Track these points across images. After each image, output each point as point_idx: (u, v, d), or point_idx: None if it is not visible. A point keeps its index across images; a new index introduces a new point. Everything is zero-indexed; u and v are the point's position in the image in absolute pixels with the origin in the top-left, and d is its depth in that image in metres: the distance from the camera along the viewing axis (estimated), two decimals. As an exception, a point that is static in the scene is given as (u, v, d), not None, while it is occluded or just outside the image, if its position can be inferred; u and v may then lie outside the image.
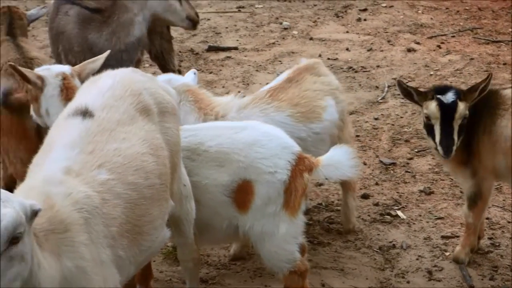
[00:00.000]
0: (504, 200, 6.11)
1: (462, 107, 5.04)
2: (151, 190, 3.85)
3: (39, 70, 4.76)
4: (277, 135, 4.80)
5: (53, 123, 4.02)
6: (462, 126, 5.07)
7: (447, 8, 9.89)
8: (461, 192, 6.01)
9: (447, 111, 5.04)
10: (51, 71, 4.73)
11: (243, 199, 4.63)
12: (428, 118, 5.11)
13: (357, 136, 7.04)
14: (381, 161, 6.71)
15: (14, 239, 2.96)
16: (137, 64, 6.60)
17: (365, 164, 6.63)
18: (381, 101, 7.74)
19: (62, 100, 4.57)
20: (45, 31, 9.26)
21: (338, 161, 4.66)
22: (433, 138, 5.10)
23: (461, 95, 5.09)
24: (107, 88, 3.99)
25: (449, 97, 5.06)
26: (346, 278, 5.34)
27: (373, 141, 7.00)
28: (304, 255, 4.80)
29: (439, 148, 5.07)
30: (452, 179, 6.27)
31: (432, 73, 8.22)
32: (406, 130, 7.19)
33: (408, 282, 5.26)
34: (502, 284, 5.22)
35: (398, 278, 5.31)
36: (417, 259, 5.49)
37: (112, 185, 3.63)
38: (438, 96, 5.07)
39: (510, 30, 9.16)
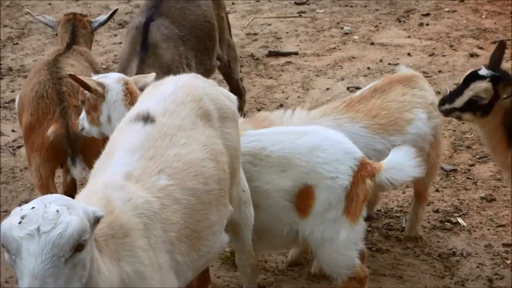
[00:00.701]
0: None
1: (482, 84, 4.94)
2: (210, 195, 3.90)
3: (99, 78, 4.86)
4: (339, 140, 4.81)
5: (113, 130, 4.09)
6: (475, 102, 4.96)
7: (511, 13, 9.75)
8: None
9: (469, 78, 5.00)
10: (112, 78, 4.83)
11: (304, 204, 4.67)
12: None
13: None
14: (442, 168, 6.63)
15: (79, 246, 3.00)
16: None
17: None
18: (442, 107, 7.66)
19: (127, 104, 4.64)
20: (108, 37, 9.46)
21: (399, 162, 4.65)
22: None
23: (499, 80, 4.96)
24: (168, 93, 4.07)
25: (484, 71, 4.99)
26: (404, 285, 5.34)
27: None
28: (364, 262, 4.83)
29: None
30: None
31: None
32: (468, 136, 7.12)
33: (470, 292, 5.26)
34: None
35: (458, 286, 5.31)
36: (477, 267, 5.47)
37: (172, 191, 3.70)
38: (481, 66, 5.05)
39: None
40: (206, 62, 6.59)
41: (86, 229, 3.02)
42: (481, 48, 8.88)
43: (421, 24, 9.62)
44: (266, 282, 5.38)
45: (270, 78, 8.41)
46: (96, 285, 3.19)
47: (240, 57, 8.80)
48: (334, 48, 9.12)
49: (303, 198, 4.66)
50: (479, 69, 5.01)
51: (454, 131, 7.19)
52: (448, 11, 9.98)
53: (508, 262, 5.50)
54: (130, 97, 4.66)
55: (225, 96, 4.37)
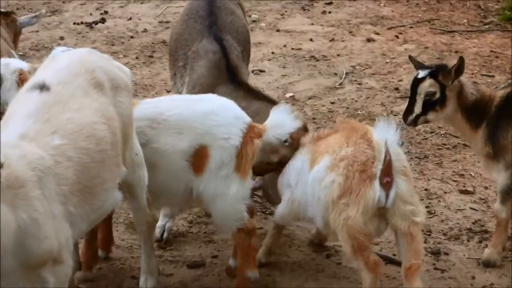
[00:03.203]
0: (443, 174, 6.53)
1: (426, 83, 5.34)
2: (101, 155, 4.18)
3: None
4: (231, 106, 5.14)
5: None
6: (429, 101, 5.35)
7: (407, 1, 10.24)
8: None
9: (414, 85, 5.42)
10: (8, 67, 5.14)
11: (199, 163, 4.95)
12: None
13: (314, 118, 7.40)
14: None
15: None
16: None
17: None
18: (338, 86, 8.09)
19: None
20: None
21: (280, 119, 5.07)
22: None
23: (438, 74, 5.34)
24: (64, 66, 4.36)
25: (421, 74, 5.39)
26: (292, 243, 5.73)
27: (328, 123, 7.31)
28: (253, 217, 5.15)
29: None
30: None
31: (388, 60, 8.58)
32: (360, 112, 7.55)
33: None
34: (435, 247, 5.62)
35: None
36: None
37: (65, 149, 3.97)
38: (418, 70, 5.44)
39: (465, 21, 9.52)
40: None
41: None
42: (377, 33, 9.34)
43: (324, 12, 10.03)
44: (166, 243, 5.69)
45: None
46: None
47: (153, 43, 9.15)
48: (243, 34, 9.46)
49: (198, 157, 4.94)
50: (417, 75, 5.39)
51: (348, 108, 7.59)
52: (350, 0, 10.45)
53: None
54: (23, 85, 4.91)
55: (119, 69, 4.65)
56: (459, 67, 5.33)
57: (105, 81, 4.44)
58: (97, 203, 4.20)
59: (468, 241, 5.73)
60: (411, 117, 5.43)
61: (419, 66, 5.52)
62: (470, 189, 6.35)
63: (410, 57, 5.78)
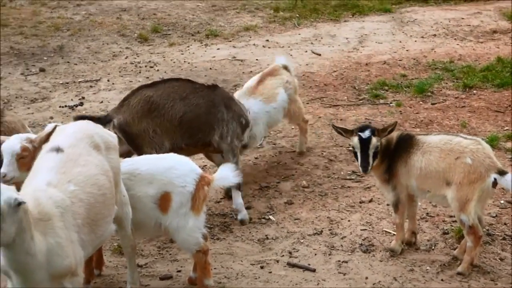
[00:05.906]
0: (339, 205, 6.85)
1: (374, 140, 5.56)
2: (102, 197, 4.38)
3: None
4: (186, 162, 5.31)
5: None
6: (375, 153, 5.58)
7: (303, 85, 10.58)
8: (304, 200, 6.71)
9: (364, 143, 5.59)
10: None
11: (164, 205, 5.11)
12: (353, 148, 5.71)
13: (244, 169, 7.60)
14: (260, 185, 7.27)
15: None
16: None
17: (250, 189, 7.20)
18: (259, 146, 8.14)
19: None
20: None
21: (224, 174, 5.28)
22: (357, 161, 5.68)
23: (375, 132, 5.58)
24: (71, 133, 4.56)
25: (366, 134, 5.57)
26: (235, 258, 5.90)
27: (254, 172, 7.58)
28: (207, 241, 5.31)
29: (360, 167, 5.66)
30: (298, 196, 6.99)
31: (293, 127, 8.82)
32: (276, 165, 7.83)
33: (277, 261, 5.88)
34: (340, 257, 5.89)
35: (270, 255, 5.95)
36: (281, 243, 6.15)
37: (77, 193, 4.17)
38: (359, 133, 5.61)
39: (345, 97, 9.87)
40: None
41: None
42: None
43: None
44: (142, 263, 5.80)
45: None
46: (33, 249, 3.70)
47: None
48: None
49: (164, 200, 5.09)
50: (359, 136, 5.55)
51: (267, 162, 7.86)
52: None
53: (302, 240, 6.16)
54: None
55: (108, 134, 4.87)
56: (393, 129, 5.66)
57: (100, 143, 4.64)
58: (99, 232, 4.38)
59: (363, 252, 6.00)
60: (369, 167, 5.63)
61: (344, 130, 5.80)
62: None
63: (333, 125, 5.99)
